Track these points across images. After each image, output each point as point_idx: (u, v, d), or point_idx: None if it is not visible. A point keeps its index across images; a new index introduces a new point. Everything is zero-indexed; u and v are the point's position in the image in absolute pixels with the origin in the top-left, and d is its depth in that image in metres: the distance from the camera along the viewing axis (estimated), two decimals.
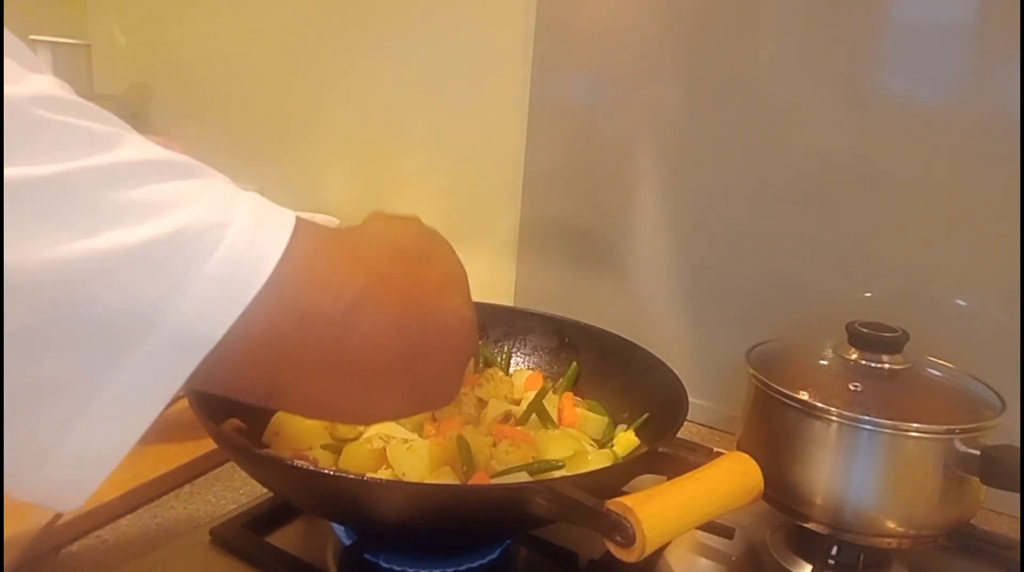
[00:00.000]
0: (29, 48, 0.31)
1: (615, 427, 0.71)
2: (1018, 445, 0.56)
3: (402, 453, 0.61)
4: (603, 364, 0.76)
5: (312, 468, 0.54)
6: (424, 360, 0.39)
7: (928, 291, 0.75)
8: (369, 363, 0.37)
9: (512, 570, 0.61)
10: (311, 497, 0.56)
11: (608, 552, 0.48)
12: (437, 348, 0.40)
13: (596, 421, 0.71)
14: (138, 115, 1.42)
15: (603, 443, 0.69)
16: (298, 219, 0.34)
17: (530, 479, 0.59)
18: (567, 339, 0.79)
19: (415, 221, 0.51)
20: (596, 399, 0.75)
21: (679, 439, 0.59)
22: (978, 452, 0.56)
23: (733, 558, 0.65)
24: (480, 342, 0.81)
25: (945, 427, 0.57)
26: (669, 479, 0.53)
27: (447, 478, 0.60)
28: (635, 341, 0.74)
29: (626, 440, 0.67)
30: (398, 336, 0.37)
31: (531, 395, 0.71)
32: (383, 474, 0.60)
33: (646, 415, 0.68)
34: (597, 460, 0.65)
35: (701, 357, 0.86)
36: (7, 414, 0.27)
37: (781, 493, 0.61)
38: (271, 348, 0.33)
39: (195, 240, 0.30)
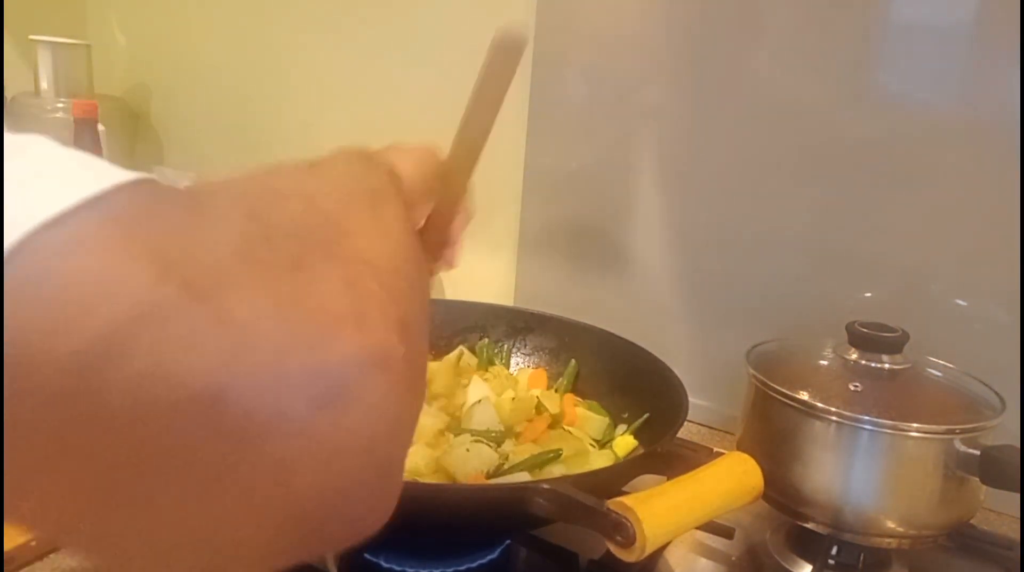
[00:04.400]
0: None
1: (615, 427, 0.71)
2: (1018, 445, 0.56)
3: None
4: (603, 364, 0.76)
5: None
6: (276, 467, 0.20)
7: (928, 291, 0.75)
8: (132, 454, 0.19)
9: (512, 570, 0.61)
10: None
11: (608, 552, 0.48)
12: (312, 441, 0.21)
13: (596, 421, 0.71)
14: (138, 115, 1.42)
15: (603, 443, 0.70)
16: (119, 186, 0.20)
17: (530, 479, 0.59)
18: (567, 339, 0.80)
19: (396, 173, 0.38)
20: (596, 399, 0.75)
21: (679, 439, 0.59)
22: (978, 452, 0.56)
23: (733, 558, 0.65)
24: (484, 341, 0.81)
25: (945, 427, 0.57)
26: (669, 479, 0.54)
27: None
28: (635, 341, 0.74)
29: (624, 442, 0.67)
30: (203, 409, 0.19)
31: (535, 393, 0.72)
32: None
33: (646, 415, 0.68)
34: (598, 460, 0.65)
35: (701, 357, 0.86)
36: None
37: (781, 493, 0.61)
38: None
39: None
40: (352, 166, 0.36)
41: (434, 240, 0.52)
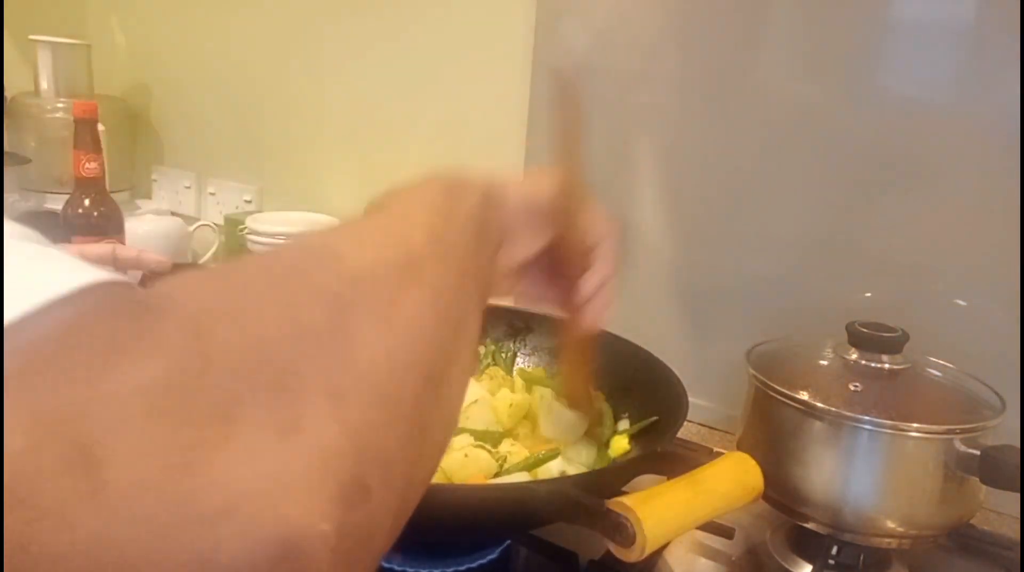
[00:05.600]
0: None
1: (615, 422, 0.71)
2: (1018, 445, 0.56)
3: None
4: (603, 364, 0.76)
5: None
6: None
7: (928, 291, 0.75)
8: None
9: (512, 570, 0.61)
10: None
11: (608, 552, 0.48)
12: None
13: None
14: (138, 115, 1.42)
15: (604, 438, 0.69)
16: (51, 303, 0.18)
17: (530, 479, 0.59)
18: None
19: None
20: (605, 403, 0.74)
21: (679, 439, 0.59)
22: (978, 452, 0.56)
23: (733, 558, 0.65)
24: (485, 341, 0.81)
25: (945, 427, 0.57)
26: (669, 479, 0.54)
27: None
28: (635, 341, 0.74)
29: (617, 444, 0.67)
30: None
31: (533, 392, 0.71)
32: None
33: (654, 418, 0.67)
34: (587, 453, 0.65)
35: (701, 357, 0.86)
36: None
37: (781, 493, 0.61)
38: None
39: None
40: (414, 210, 0.33)
41: (569, 281, 0.48)
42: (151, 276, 0.70)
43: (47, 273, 0.19)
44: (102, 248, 0.70)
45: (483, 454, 0.61)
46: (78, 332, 0.18)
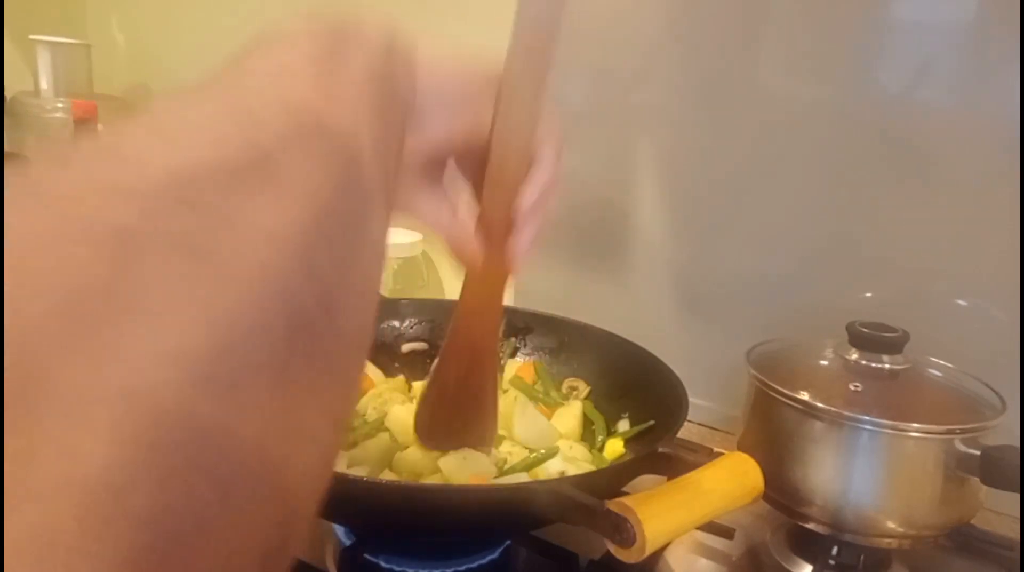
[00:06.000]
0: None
1: (614, 424, 0.71)
2: (1018, 445, 0.56)
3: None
4: (602, 364, 0.76)
5: None
6: None
7: (928, 291, 0.75)
8: None
9: (512, 570, 0.61)
10: None
11: (608, 552, 0.48)
12: None
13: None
14: None
15: (600, 445, 0.69)
16: None
17: (530, 479, 0.59)
18: (567, 339, 0.79)
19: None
20: (596, 399, 0.74)
21: (679, 439, 0.59)
22: (978, 452, 0.56)
23: (733, 558, 0.65)
24: None
25: (945, 427, 0.57)
26: (669, 479, 0.54)
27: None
28: (635, 341, 0.74)
29: (612, 447, 0.67)
30: None
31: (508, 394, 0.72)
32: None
33: (651, 422, 0.67)
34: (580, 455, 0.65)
35: (701, 357, 0.85)
36: None
37: (781, 493, 0.61)
38: None
39: None
40: (280, 77, 0.21)
41: (494, 218, 0.35)
42: None
43: None
44: None
45: (482, 457, 0.61)
46: None
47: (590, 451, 0.67)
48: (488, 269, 0.38)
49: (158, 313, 0.15)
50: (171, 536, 0.14)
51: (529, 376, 0.75)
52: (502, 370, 0.78)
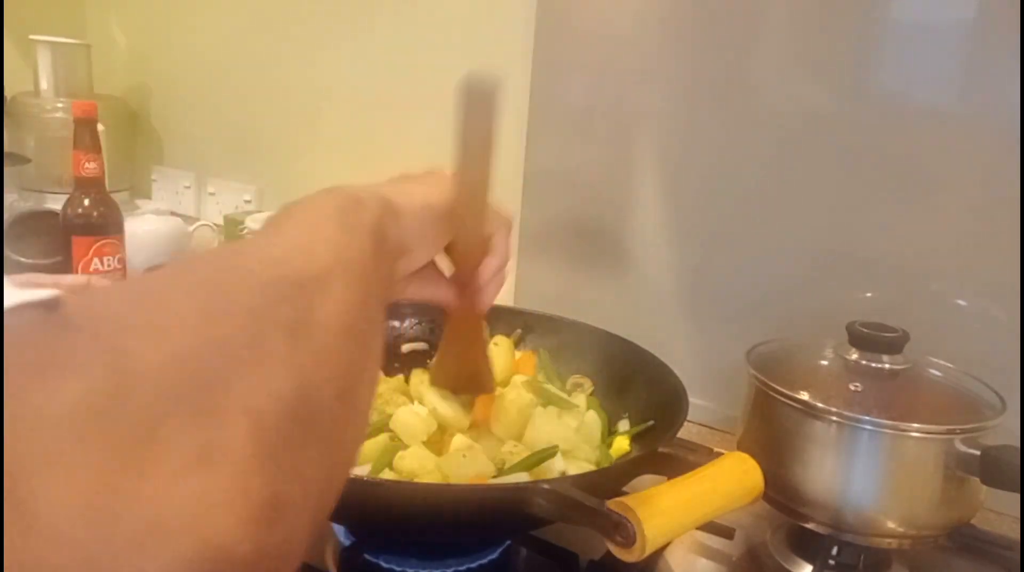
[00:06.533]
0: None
1: (615, 423, 0.71)
2: (1018, 445, 0.56)
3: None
4: (602, 364, 0.76)
5: None
6: None
7: (928, 291, 0.75)
8: None
9: (512, 570, 0.61)
10: None
11: (608, 552, 0.48)
12: None
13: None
14: (138, 115, 1.42)
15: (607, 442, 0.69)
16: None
17: (530, 479, 0.59)
18: (567, 339, 0.79)
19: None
20: (595, 399, 0.74)
21: (679, 439, 0.59)
22: (978, 452, 0.56)
23: (733, 558, 0.65)
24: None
25: (945, 427, 0.57)
26: (669, 479, 0.54)
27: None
28: (635, 341, 0.74)
29: (617, 444, 0.67)
30: None
31: (519, 379, 0.71)
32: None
33: (651, 423, 0.67)
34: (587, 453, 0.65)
35: (701, 357, 0.86)
36: None
37: (781, 493, 0.61)
38: None
39: None
40: (316, 225, 0.32)
41: (463, 279, 0.50)
42: None
43: None
44: (77, 279, 0.70)
45: (481, 455, 0.61)
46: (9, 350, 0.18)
47: (593, 449, 0.67)
48: (463, 310, 0.53)
49: (277, 362, 0.24)
50: (293, 496, 0.22)
51: (530, 367, 0.75)
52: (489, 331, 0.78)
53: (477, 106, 0.43)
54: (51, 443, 0.18)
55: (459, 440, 0.63)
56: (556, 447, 0.62)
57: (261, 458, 0.21)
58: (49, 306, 0.21)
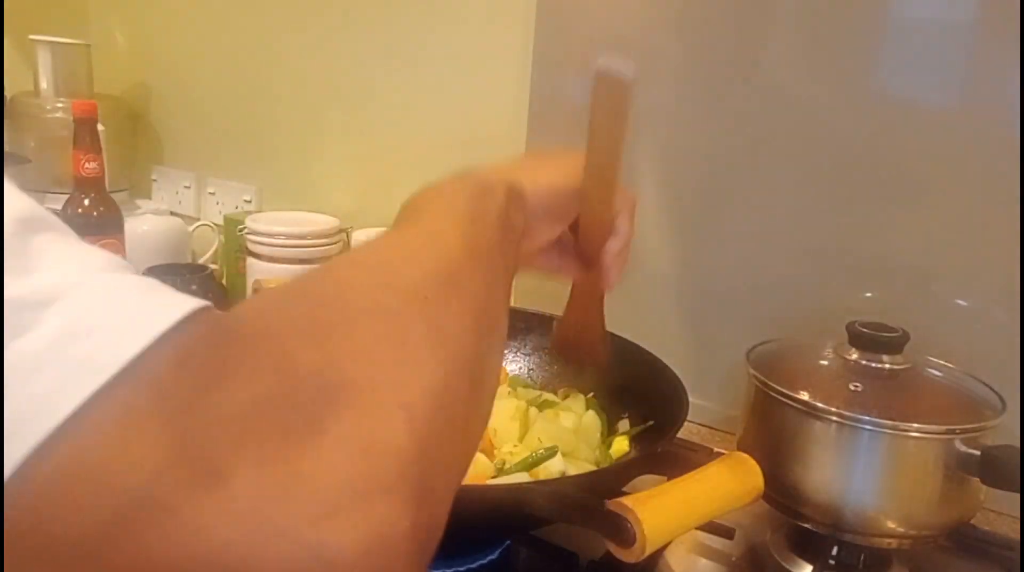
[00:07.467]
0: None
1: (615, 424, 0.71)
2: (1018, 445, 0.56)
3: None
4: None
5: None
6: None
7: (928, 291, 0.75)
8: None
9: (512, 570, 0.61)
10: None
11: (608, 552, 0.48)
12: None
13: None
14: (138, 115, 1.42)
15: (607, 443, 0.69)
16: (158, 340, 0.21)
17: (530, 479, 0.59)
18: None
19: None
20: (594, 399, 0.74)
21: (679, 439, 0.59)
22: (978, 452, 0.56)
23: (733, 558, 0.65)
24: None
25: (945, 427, 0.57)
26: (669, 479, 0.54)
27: None
28: (635, 341, 0.74)
29: (618, 445, 0.67)
30: None
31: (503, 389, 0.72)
32: None
33: (651, 423, 0.67)
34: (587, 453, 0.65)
35: (701, 357, 0.86)
36: None
37: (781, 493, 0.61)
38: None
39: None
40: (450, 218, 0.35)
41: (587, 256, 0.52)
42: None
43: (153, 306, 0.22)
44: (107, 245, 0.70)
45: (481, 455, 0.61)
46: (189, 360, 0.21)
47: (593, 449, 0.67)
48: (587, 284, 0.57)
49: (423, 359, 0.26)
50: (440, 480, 0.25)
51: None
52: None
53: (611, 90, 0.46)
54: (242, 434, 0.21)
55: None
56: (556, 447, 0.62)
57: (415, 447, 0.24)
58: (214, 311, 0.23)
